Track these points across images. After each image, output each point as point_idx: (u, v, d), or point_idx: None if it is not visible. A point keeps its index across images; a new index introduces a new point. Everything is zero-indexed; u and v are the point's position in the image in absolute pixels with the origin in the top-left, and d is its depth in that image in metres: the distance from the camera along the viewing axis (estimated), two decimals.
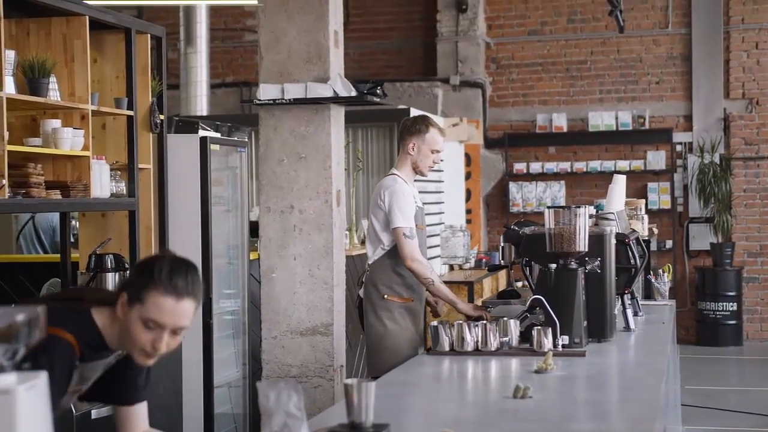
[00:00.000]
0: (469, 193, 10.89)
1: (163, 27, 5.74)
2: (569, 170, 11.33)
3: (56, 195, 4.64)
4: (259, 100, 4.87)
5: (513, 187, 11.45)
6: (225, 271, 6.21)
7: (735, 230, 11.07)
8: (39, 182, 4.56)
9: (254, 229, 5.68)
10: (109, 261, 5.05)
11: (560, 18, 11.58)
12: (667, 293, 5.72)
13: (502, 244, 4.67)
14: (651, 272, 5.81)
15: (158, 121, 5.48)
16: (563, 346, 3.76)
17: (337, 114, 4.96)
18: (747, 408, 7.75)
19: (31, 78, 4.57)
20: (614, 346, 4.04)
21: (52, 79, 4.68)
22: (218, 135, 6.30)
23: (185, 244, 5.73)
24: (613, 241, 4.19)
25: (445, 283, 7.19)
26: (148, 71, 5.44)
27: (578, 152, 11.46)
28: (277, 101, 4.83)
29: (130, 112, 5.23)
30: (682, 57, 11.33)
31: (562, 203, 11.04)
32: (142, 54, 5.39)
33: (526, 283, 4.44)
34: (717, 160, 10.96)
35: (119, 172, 5.18)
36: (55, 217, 6.65)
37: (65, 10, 4.80)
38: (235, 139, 6.62)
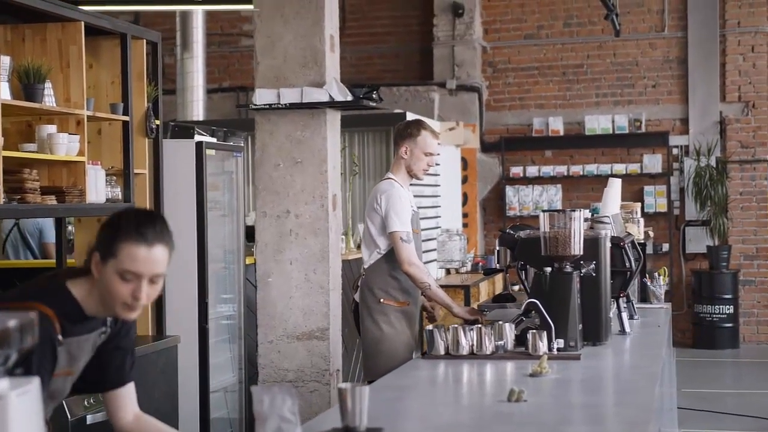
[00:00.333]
0: (465, 197, 10.90)
1: (158, 32, 5.75)
2: (566, 174, 11.35)
3: (52, 200, 4.64)
4: (255, 104, 4.87)
5: (509, 190, 11.46)
6: (221, 276, 6.21)
7: (731, 233, 11.09)
8: (34, 188, 4.56)
9: (250, 233, 5.68)
10: None
11: (556, 22, 11.60)
12: (662, 296, 5.72)
13: (497, 248, 4.67)
14: (647, 275, 5.81)
15: (154, 127, 5.48)
16: (558, 349, 3.77)
17: (333, 118, 4.97)
18: (743, 411, 7.76)
19: (27, 83, 4.57)
20: (609, 349, 4.04)
21: (48, 84, 4.68)
22: (214, 140, 6.30)
23: (181, 248, 5.69)
24: (608, 244, 4.19)
25: (442, 287, 7.21)
26: (143, 77, 5.45)
27: (575, 156, 11.47)
28: (273, 106, 4.83)
29: (126, 118, 5.23)
30: (679, 60, 11.35)
31: (559, 207, 11.05)
32: (137, 59, 5.40)
33: (522, 286, 4.45)
34: (713, 163, 10.98)
35: (115, 178, 5.19)
36: (40, 219, 6.63)
37: (60, 15, 4.81)
38: (231, 143, 6.62)
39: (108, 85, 5.31)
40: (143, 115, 5.42)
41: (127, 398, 2.66)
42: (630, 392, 3.28)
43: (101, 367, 2.60)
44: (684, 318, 11.13)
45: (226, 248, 6.25)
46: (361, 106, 4.97)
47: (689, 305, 11.14)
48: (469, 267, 9.14)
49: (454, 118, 11.00)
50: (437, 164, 9.03)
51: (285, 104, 4.81)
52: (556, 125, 11.44)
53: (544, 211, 4.00)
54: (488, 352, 3.74)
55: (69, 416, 4.20)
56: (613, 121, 11.31)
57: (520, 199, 11.44)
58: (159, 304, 5.61)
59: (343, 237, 7.36)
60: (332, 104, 4.81)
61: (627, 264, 4.48)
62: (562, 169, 11.36)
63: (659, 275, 5.77)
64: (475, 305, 7.56)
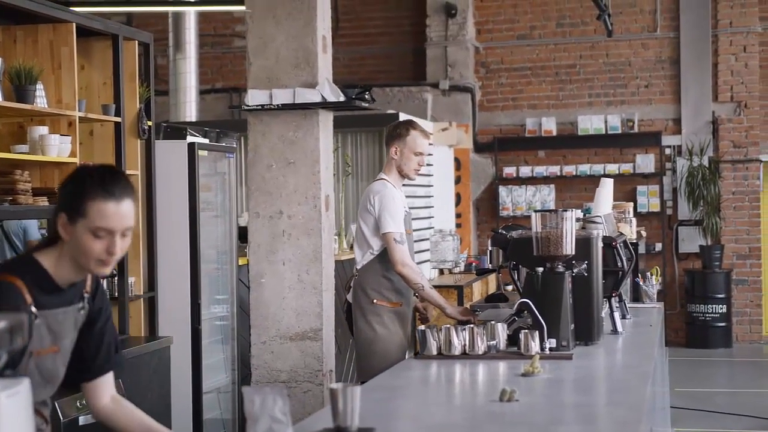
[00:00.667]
0: (458, 198, 10.91)
1: (150, 33, 5.75)
2: (559, 174, 11.36)
3: (43, 202, 4.63)
4: (248, 105, 4.87)
5: (503, 191, 11.47)
6: (214, 277, 6.20)
7: (724, 233, 11.11)
8: (26, 189, 4.56)
9: (243, 234, 5.69)
10: None
11: (549, 22, 11.62)
12: (655, 296, 5.73)
13: (490, 248, 4.68)
14: (639, 275, 5.82)
15: (146, 128, 5.48)
16: (550, 349, 3.77)
17: (326, 119, 4.97)
18: (736, 410, 7.77)
19: (18, 85, 4.57)
20: (601, 349, 4.05)
21: (39, 86, 4.68)
22: (207, 141, 6.30)
23: (174, 249, 5.73)
24: (600, 244, 4.20)
25: (435, 287, 7.21)
26: (135, 78, 5.45)
27: (567, 156, 11.49)
28: (265, 107, 4.83)
29: (118, 119, 5.23)
30: (671, 60, 11.37)
31: (552, 207, 11.07)
32: (129, 60, 5.39)
33: (514, 286, 4.45)
34: (706, 163, 11.01)
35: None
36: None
37: (52, 17, 4.80)
38: (224, 144, 6.62)
39: (100, 86, 5.31)
40: (135, 116, 5.42)
41: (108, 384, 2.67)
42: (622, 392, 3.28)
43: (87, 352, 2.60)
44: (677, 317, 11.15)
45: (218, 249, 6.25)
46: (353, 106, 4.97)
47: (682, 305, 11.17)
48: (462, 267, 9.14)
49: (447, 119, 11.01)
50: (430, 165, 9.04)
51: (277, 105, 4.80)
52: (549, 125, 11.45)
53: (536, 211, 4.00)
54: (480, 352, 3.75)
55: (61, 418, 4.20)
56: (605, 122, 11.33)
57: (513, 200, 11.45)
58: (152, 305, 5.61)
59: (336, 237, 7.36)
60: (325, 105, 4.81)
61: (619, 264, 4.49)
62: (555, 170, 11.37)
63: (651, 275, 5.79)
64: (467, 305, 7.57)
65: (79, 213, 2.37)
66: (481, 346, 3.75)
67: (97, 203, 2.37)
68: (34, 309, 2.36)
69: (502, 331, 3.83)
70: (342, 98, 4.80)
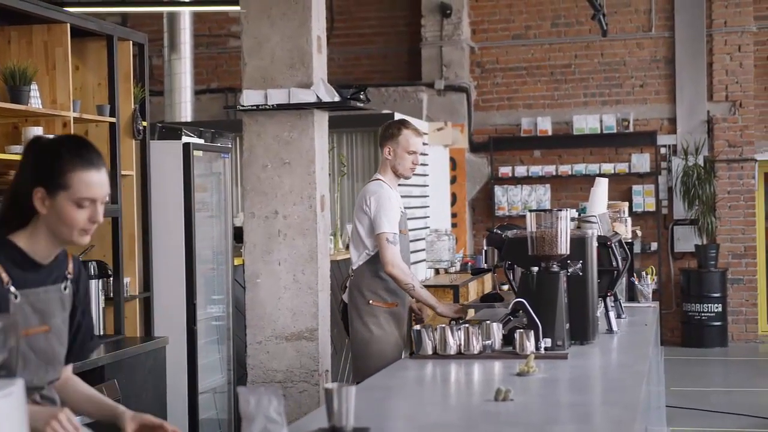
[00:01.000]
0: (454, 197, 10.91)
1: (145, 34, 5.75)
2: (554, 173, 11.37)
3: None
4: (243, 105, 4.87)
5: (498, 190, 11.47)
6: (209, 277, 6.20)
7: (719, 232, 11.13)
8: None
9: (239, 234, 5.68)
10: (93, 268, 5.04)
11: (544, 22, 11.63)
12: (650, 295, 5.74)
13: (485, 248, 4.68)
14: (634, 274, 5.83)
15: (141, 128, 5.48)
16: (545, 348, 3.77)
17: (321, 119, 4.97)
18: (732, 409, 7.79)
19: (13, 86, 4.57)
20: (596, 348, 4.05)
21: (34, 86, 4.68)
22: (202, 141, 6.30)
23: (169, 250, 5.73)
24: (595, 243, 4.20)
25: (431, 287, 7.22)
26: (130, 78, 5.45)
27: (563, 155, 11.50)
28: (260, 107, 4.83)
29: (113, 119, 5.23)
30: (666, 60, 11.39)
31: (548, 206, 11.07)
32: (124, 61, 5.39)
33: (510, 286, 4.46)
34: (701, 162, 11.02)
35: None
36: None
37: (46, 17, 4.80)
38: (219, 145, 6.62)
39: (95, 87, 5.31)
40: (130, 116, 5.42)
41: (69, 367, 2.69)
42: (617, 391, 3.29)
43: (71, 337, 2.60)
44: (673, 317, 11.16)
45: (214, 249, 6.25)
46: (348, 106, 4.97)
47: (678, 304, 11.18)
48: (458, 267, 9.15)
49: (442, 119, 11.01)
50: (425, 165, 9.04)
51: (272, 105, 4.80)
52: (545, 125, 11.46)
53: (531, 210, 4.01)
54: (476, 352, 3.75)
55: None
56: (601, 121, 11.34)
57: (508, 199, 11.46)
58: (147, 306, 5.61)
59: (332, 238, 7.36)
60: (320, 105, 4.82)
61: (614, 263, 4.49)
62: (550, 169, 11.38)
63: (647, 274, 5.79)
64: (462, 305, 7.57)
65: (60, 185, 2.39)
66: (476, 346, 3.76)
67: (79, 174, 2.40)
68: (12, 288, 2.37)
69: (497, 330, 3.83)
70: (337, 98, 4.81)
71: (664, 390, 6.33)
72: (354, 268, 4.82)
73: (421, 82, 11.50)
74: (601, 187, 5.20)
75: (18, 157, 4.62)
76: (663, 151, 11.34)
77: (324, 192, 4.97)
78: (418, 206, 8.93)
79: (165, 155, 5.72)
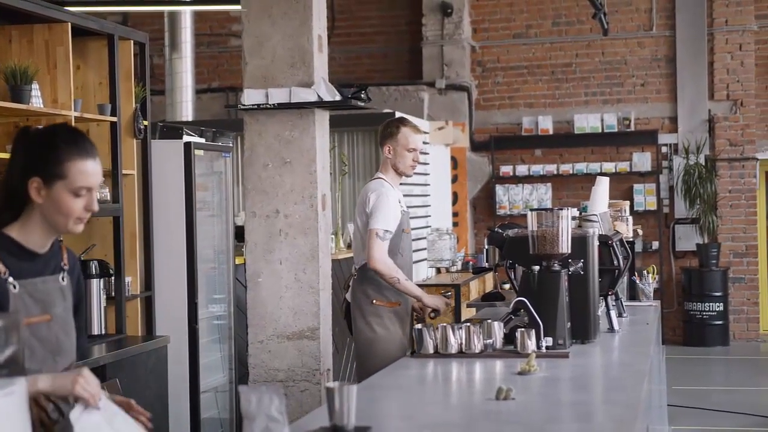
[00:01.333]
0: (455, 196, 10.91)
1: (146, 33, 5.75)
2: (555, 172, 11.37)
3: None
4: (244, 105, 4.87)
5: (499, 189, 11.47)
6: (211, 276, 6.20)
7: (721, 231, 11.12)
8: None
9: (240, 233, 5.68)
10: (94, 267, 5.05)
11: (545, 21, 11.62)
12: (651, 294, 5.73)
13: (486, 247, 4.68)
14: (636, 273, 5.82)
15: (142, 127, 5.48)
16: (547, 347, 3.77)
17: (322, 118, 4.97)
18: (733, 408, 7.78)
19: (14, 85, 4.57)
20: (598, 347, 4.05)
21: (35, 85, 4.68)
22: (203, 140, 6.30)
23: (170, 249, 5.73)
24: (596, 242, 4.20)
25: (432, 285, 7.22)
26: (131, 77, 5.45)
27: (564, 154, 11.49)
28: (261, 106, 4.83)
29: (114, 119, 5.23)
30: (667, 59, 11.38)
31: (549, 205, 11.07)
32: (125, 60, 5.39)
33: (511, 285, 4.46)
34: (702, 161, 11.02)
35: (103, 179, 5.18)
36: None
37: (47, 17, 4.80)
38: (220, 144, 6.62)
39: (96, 86, 5.31)
40: (131, 115, 5.42)
41: None
42: (618, 390, 3.29)
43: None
44: (674, 316, 11.16)
45: (215, 248, 6.25)
46: (349, 105, 4.97)
47: (679, 303, 11.18)
48: (459, 266, 9.15)
49: (443, 118, 11.01)
50: (426, 164, 9.04)
51: (273, 104, 4.80)
52: (546, 124, 11.45)
53: (532, 209, 4.00)
54: (477, 351, 3.75)
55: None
56: (602, 120, 11.33)
57: (510, 198, 11.46)
58: (149, 305, 5.61)
59: (333, 237, 7.36)
60: (321, 104, 4.82)
61: (615, 262, 4.49)
62: (551, 168, 11.38)
63: (648, 273, 5.79)
64: (464, 304, 7.58)
65: (57, 175, 2.42)
66: (477, 345, 3.76)
67: (76, 164, 2.43)
68: (11, 279, 2.39)
69: (498, 329, 3.83)
70: (338, 97, 4.81)
71: (666, 389, 6.33)
72: (357, 267, 4.82)
73: (422, 81, 11.50)
74: (603, 186, 5.20)
75: None
76: (664, 150, 11.34)
77: (325, 191, 4.97)
78: (419, 205, 8.93)
79: (166, 154, 5.72)
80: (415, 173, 5.00)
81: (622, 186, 11.12)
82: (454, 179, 10.90)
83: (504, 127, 11.69)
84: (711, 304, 10.83)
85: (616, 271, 4.51)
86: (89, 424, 2.29)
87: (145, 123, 5.54)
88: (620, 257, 4.51)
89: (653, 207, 11.20)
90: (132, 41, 5.50)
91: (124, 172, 5.33)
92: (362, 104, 5.03)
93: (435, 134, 10.07)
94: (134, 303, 5.48)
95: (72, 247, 2.73)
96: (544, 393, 3.22)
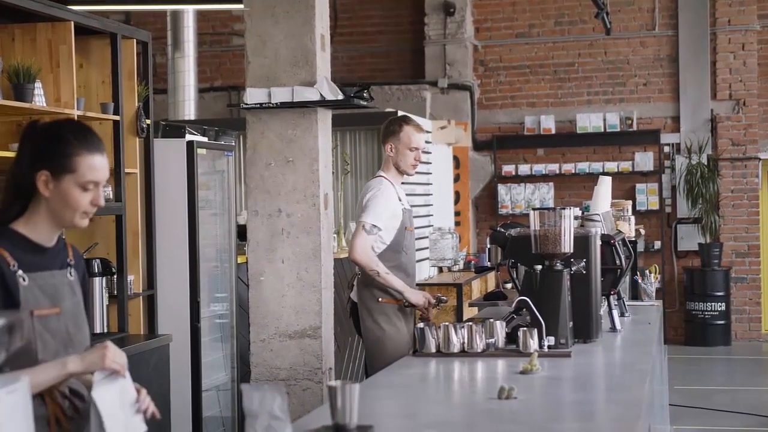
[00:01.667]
0: (457, 196, 10.91)
1: (148, 32, 5.75)
2: (558, 172, 11.37)
3: None
4: (246, 104, 4.87)
5: (502, 189, 11.47)
6: (213, 275, 6.21)
7: (723, 231, 11.12)
8: None
9: (242, 232, 5.69)
10: (96, 265, 5.05)
11: (547, 21, 11.62)
12: (653, 294, 5.73)
13: (488, 246, 4.68)
14: (638, 273, 5.82)
15: (145, 126, 5.48)
16: (549, 347, 3.77)
17: (324, 117, 4.97)
18: (735, 407, 7.78)
19: (17, 83, 4.57)
20: (600, 346, 4.05)
21: (38, 84, 4.68)
22: (205, 139, 6.30)
23: (173, 248, 5.73)
24: (599, 242, 4.20)
25: (434, 285, 7.21)
26: (134, 76, 5.45)
27: (566, 154, 11.49)
28: (264, 105, 4.83)
29: (117, 117, 5.23)
30: (669, 58, 11.37)
31: (551, 205, 11.07)
32: (128, 59, 5.40)
33: (513, 284, 4.46)
34: (704, 160, 11.01)
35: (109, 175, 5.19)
36: None
37: (50, 15, 4.80)
38: (222, 143, 6.62)
39: (98, 85, 5.31)
40: (134, 114, 5.42)
41: None
42: (620, 389, 3.29)
43: None
44: (676, 315, 11.16)
45: (218, 247, 6.25)
46: (352, 105, 4.97)
47: (681, 303, 11.17)
48: (461, 265, 9.15)
49: (445, 117, 11.01)
50: (428, 163, 9.04)
51: (276, 103, 4.80)
52: (548, 124, 11.45)
53: (534, 209, 4.01)
54: (479, 350, 3.75)
55: None
56: (604, 120, 11.33)
57: (512, 198, 11.46)
58: (151, 303, 5.62)
59: (335, 236, 7.36)
60: (323, 103, 4.81)
61: (617, 261, 4.50)
62: (554, 168, 11.38)
63: (650, 273, 5.79)
64: (466, 303, 7.58)
65: (66, 169, 2.44)
66: (479, 344, 3.76)
67: (85, 158, 2.45)
68: (20, 272, 2.40)
69: (500, 328, 3.83)
70: (341, 96, 4.80)
71: (668, 389, 6.33)
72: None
73: (425, 80, 11.50)
74: (605, 185, 5.20)
75: None
76: (666, 149, 11.33)
77: (327, 190, 4.97)
78: (421, 204, 8.93)
79: (169, 153, 5.73)
80: (418, 172, 5.01)
81: (625, 185, 11.12)
82: (457, 178, 10.90)
83: (506, 126, 11.69)
84: (713, 303, 10.82)
85: (619, 270, 4.51)
86: (107, 400, 2.34)
87: (148, 122, 5.55)
88: (622, 257, 4.51)
89: (655, 207, 11.19)
90: (135, 40, 5.50)
91: (126, 170, 5.33)
92: (365, 103, 5.03)
93: (437, 133, 10.07)
94: (136, 301, 5.48)
95: (74, 245, 2.73)
96: (547, 392, 3.22)
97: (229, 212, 6.29)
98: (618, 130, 11.30)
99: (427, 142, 5.25)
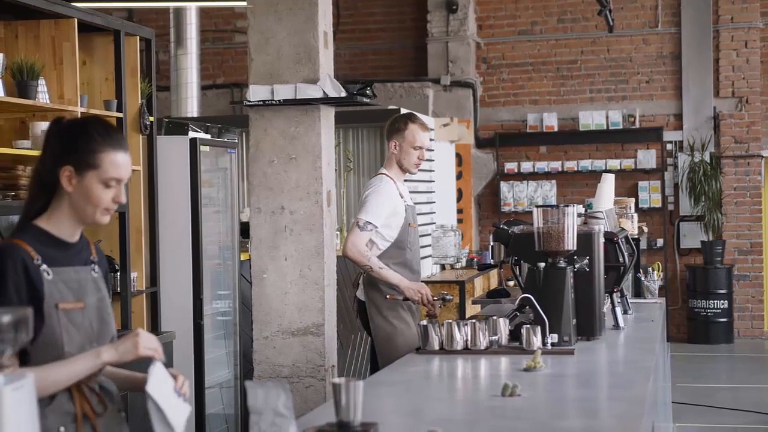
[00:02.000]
0: (460, 193, 10.91)
1: (152, 29, 5.75)
2: (560, 170, 11.36)
3: None
4: (249, 101, 4.87)
5: (504, 186, 11.47)
6: (216, 272, 6.21)
7: (725, 228, 11.11)
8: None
9: (245, 230, 5.69)
10: None
11: (550, 18, 11.61)
12: (656, 291, 5.74)
13: (491, 244, 4.68)
14: (641, 270, 5.82)
15: (148, 123, 5.48)
16: (552, 344, 3.78)
17: (327, 115, 4.97)
18: (737, 405, 7.78)
19: (20, 80, 4.57)
20: (603, 344, 4.05)
21: (41, 81, 4.68)
22: (208, 136, 6.31)
23: (176, 245, 5.73)
24: (602, 239, 4.20)
25: (437, 282, 7.19)
26: (137, 73, 5.45)
27: (569, 151, 11.49)
28: (266, 102, 4.83)
29: (120, 114, 5.23)
30: (672, 56, 11.36)
31: (554, 202, 11.06)
32: (131, 56, 5.40)
33: (516, 282, 4.46)
34: (707, 158, 11.00)
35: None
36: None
37: (54, 12, 4.81)
38: (225, 140, 6.62)
39: (102, 82, 5.31)
40: (137, 111, 5.43)
41: None
42: (623, 387, 3.29)
43: None
44: (679, 313, 11.15)
45: (220, 244, 6.25)
46: (355, 102, 4.97)
47: (684, 300, 11.17)
48: (464, 263, 9.15)
49: (448, 114, 11.00)
50: (431, 160, 9.04)
51: (279, 101, 4.80)
52: (551, 121, 11.44)
53: (537, 206, 4.00)
54: (482, 347, 3.75)
55: None
56: (607, 117, 11.32)
57: (514, 195, 11.46)
58: (154, 301, 5.62)
59: (338, 233, 7.36)
60: (326, 100, 4.81)
61: (621, 259, 4.49)
62: (556, 165, 11.37)
63: (653, 270, 5.79)
64: (469, 301, 7.58)
65: (90, 165, 2.46)
66: (483, 342, 3.76)
67: (109, 155, 2.47)
68: (44, 266, 2.42)
69: (504, 326, 3.83)
70: (343, 94, 4.80)
71: (670, 386, 6.33)
72: None
73: (427, 77, 11.49)
74: (608, 182, 5.20)
75: (26, 152, 4.63)
76: (669, 147, 11.32)
77: (330, 187, 4.97)
78: (423, 202, 8.93)
79: (172, 150, 5.73)
80: (420, 170, 5.00)
81: (627, 183, 11.11)
82: (459, 176, 10.90)
83: (509, 123, 11.68)
84: (715, 301, 10.82)
85: (622, 268, 4.51)
86: (161, 392, 2.40)
87: (151, 119, 5.55)
88: (626, 254, 4.51)
89: (658, 204, 11.19)
90: (138, 37, 5.50)
91: None
92: (368, 101, 5.03)
93: (440, 131, 10.07)
94: (139, 299, 5.49)
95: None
96: (550, 389, 3.22)
97: (232, 209, 6.29)
98: (620, 127, 11.29)
99: (430, 140, 5.25)
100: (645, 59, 11.42)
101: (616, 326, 4.43)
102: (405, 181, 4.97)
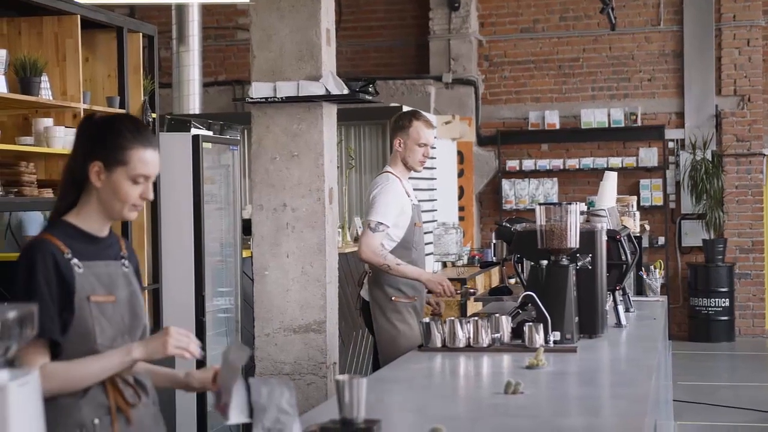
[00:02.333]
0: (462, 191, 10.91)
1: (154, 26, 5.75)
2: (562, 167, 11.36)
3: (48, 194, 4.64)
4: (251, 98, 4.87)
5: (506, 184, 11.47)
6: (218, 269, 6.21)
7: (727, 226, 11.11)
8: (31, 181, 4.57)
9: (247, 227, 5.70)
10: None
11: (552, 16, 11.61)
12: (658, 289, 5.74)
13: (493, 241, 4.68)
14: (642, 268, 5.82)
15: (150, 120, 5.48)
16: (555, 342, 3.78)
17: (330, 112, 4.97)
18: (739, 403, 7.79)
19: (23, 77, 4.58)
20: (605, 342, 4.05)
21: (44, 77, 4.69)
22: (210, 133, 6.31)
23: (178, 242, 5.74)
24: (604, 237, 4.20)
25: None
26: (140, 70, 5.45)
27: (571, 149, 11.49)
28: (269, 99, 4.83)
29: (122, 111, 5.23)
30: (674, 54, 11.36)
31: (555, 200, 11.06)
32: (133, 53, 5.40)
33: (518, 279, 4.46)
34: (709, 156, 11.00)
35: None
36: (21, 213, 6.61)
37: (57, 9, 4.81)
38: (227, 137, 6.62)
39: (104, 79, 5.32)
40: (140, 108, 5.43)
41: None
42: (626, 385, 3.29)
43: None
44: (680, 311, 11.16)
45: (222, 241, 6.26)
46: (357, 99, 4.96)
47: (685, 298, 11.18)
48: (465, 260, 9.15)
49: (450, 112, 11.00)
50: (433, 158, 9.04)
51: (281, 98, 4.80)
52: (552, 119, 11.44)
53: (540, 204, 4.00)
54: (485, 345, 3.75)
55: None
56: (609, 115, 11.32)
57: (516, 193, 11.46)
58: (156, 297, 5.63)
59: (340, 230, 7.36)
60: (328, 98, 4.81)
61: (623, 257, 4.49)
62: (558, 163, 11.37)
63: (655, 268, 5.79)
64: (471, 299, 7.58)
65: (119, 161, 2.48)
66: (485, 339, 3.76)
67: (138, 152, 2.49)
68: (75, 260, 2.44)
69: (506, 323, 3.83)
70: (346, 91, 4.80)
71: (672, 384, 6.33)
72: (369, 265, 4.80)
73: (429, 75, 11.49)
74: (610, 180, 5.20)
75: (28, 149, 4.63)
76: (671, 145, 11.32)
77: (332, 185, 4.97)
78: (425, 199, 8.93)
79: (174, 147, 5.73)
80: (424, 166, 4.98)
81: (629, 181, 11.11)
82: (461, 174, 10.90)
83: (510, 121, 11.68)
84: (717, 299, 10.82)
85: (624, 266, 4.51)
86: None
87: (154, 115, 5.55)
88: (628, 252, 4.51)
89: (659, 202, 11.19)
90: (141, 34, 5.50)
91: None
92: (370, 98, 5.03)
93: (442, 128, 10.06)
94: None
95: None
96: (553, 387, 3.22)
97: (234, 206, 6.29)
98: (622, 125, 11.29)
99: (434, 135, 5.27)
100: (647, 57, 11.42)
101: (619, 324, 4.43)
102: (409, 178, 4.96)
